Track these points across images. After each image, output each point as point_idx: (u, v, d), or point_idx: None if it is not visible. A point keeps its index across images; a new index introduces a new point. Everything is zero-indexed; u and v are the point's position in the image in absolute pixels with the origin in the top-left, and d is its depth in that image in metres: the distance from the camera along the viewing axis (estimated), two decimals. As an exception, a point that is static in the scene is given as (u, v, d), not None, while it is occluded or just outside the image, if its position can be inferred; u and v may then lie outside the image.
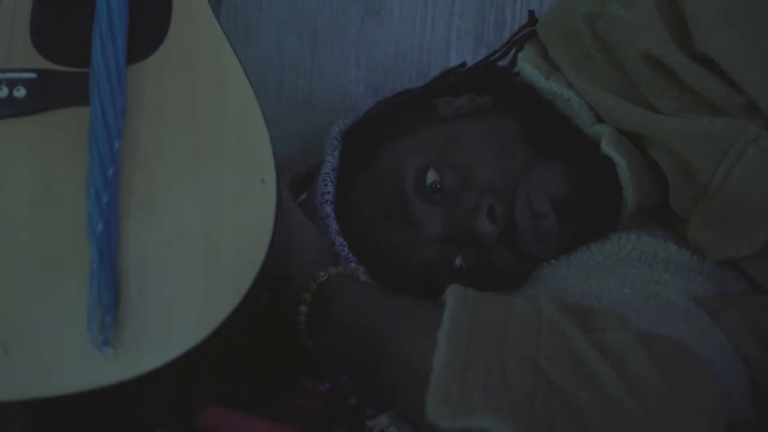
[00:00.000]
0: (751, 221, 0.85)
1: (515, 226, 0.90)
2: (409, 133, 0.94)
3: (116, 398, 0.70)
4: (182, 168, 0.78)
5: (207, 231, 0.76)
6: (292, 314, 0.84)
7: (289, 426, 0.81)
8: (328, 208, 0.94)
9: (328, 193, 0.95)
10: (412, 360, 0.74)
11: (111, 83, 0.76)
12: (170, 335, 0.71)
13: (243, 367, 0.85)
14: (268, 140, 0.78)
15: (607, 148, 0.91)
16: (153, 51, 0.81)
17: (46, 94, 0.78)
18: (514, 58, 0.99)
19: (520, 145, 0.92)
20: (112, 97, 0.76)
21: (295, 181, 0.99)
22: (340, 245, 0.94)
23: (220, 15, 0.93)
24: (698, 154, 0.86)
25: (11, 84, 0.78)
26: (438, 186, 0.90)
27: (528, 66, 0.96)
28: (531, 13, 1.01)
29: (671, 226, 0.93)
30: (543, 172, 0.90)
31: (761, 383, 0.80)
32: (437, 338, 0.72)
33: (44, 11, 0.82)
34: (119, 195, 0.75)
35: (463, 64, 1.04)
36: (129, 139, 0.77)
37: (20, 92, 0.78)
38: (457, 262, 0.91)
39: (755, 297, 0.87)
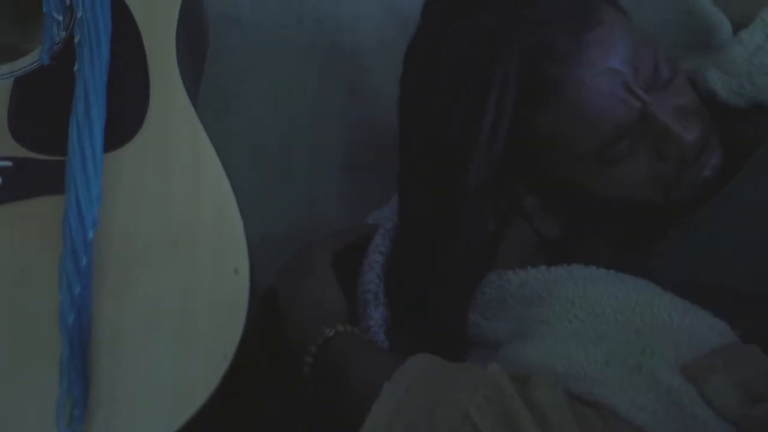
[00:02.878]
0: None
1: None
2: None
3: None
4: (156, 257, 0.78)
5: (180, 322, 0.76)
6: (299, 363, 0.91)
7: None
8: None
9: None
10: None
11: (86, 172, 0.77)
12: (141, 430, 0.70)
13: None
14: (242, 230, 0.79)
15: None
16: (130, 139, 0.82)
17: (21, 183, 0.79)
18: None
19: None
20: (87, 185, 0.76)
21: (336, 257, 1.00)
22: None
23: (198, 95, 0.94)
24: None
25: (-13, 172, 0.79)
26: None
27: None
28: None
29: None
30: None
31: None
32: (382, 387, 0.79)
33: (22, 98, 0.83)
34: (93, 282, 0.76)
35: None
36: (104, 226, 0.78)
37: (-4, 180, 0.79)
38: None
39: (742, 349, 0.87)
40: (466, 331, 0.95)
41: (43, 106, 0.83)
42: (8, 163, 0.79)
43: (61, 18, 0.85)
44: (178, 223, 0.79)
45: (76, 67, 0.81)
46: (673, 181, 0.93)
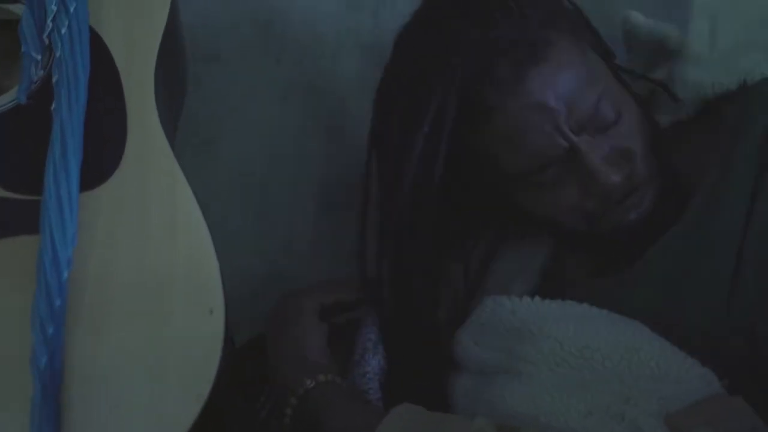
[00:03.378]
0: None
1: None
2: None
3: None
4: (131, 297, 0.78)
5: (154, 362, 0.76)
6: (281, 412, 0.93)
7: None
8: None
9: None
10: None
11: (62, 213, 0.77)
12: (112, 473, 0.70)
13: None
14: (218, 271, 0.79)
15: None
16: (107, 178, 0.82)
17: (-3, 222, 0.79)
18: None
19: None
20: (62, 226, 0.76)
21: (323, 309, 1.02)
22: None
23: (175, 138, 0.94)
24: None
25: (-38, 211, 0.79)
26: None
27: None
28: None
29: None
30: None
31: None
32: None
33: (-2, 137, 0.83)
34: (67, 322, 0.75)
35: None
36: (79, 266, 0.78)
37: (-29, 220, 0.79)
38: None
39: (727, 402, 0.87)
40: (450, 352, 0.97)
41: (20, 145, 0.83)
42: (-17, 203, 0.79)
43: (39, 57, 0.85)
44: (154, 263, 0.79)
45: (53, 107, 0.81)
46: (596, 215, 0.96)
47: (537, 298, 0.95)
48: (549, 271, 1.06)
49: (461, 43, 0.94)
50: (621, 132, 0.95)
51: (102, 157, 0.83)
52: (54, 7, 0.84)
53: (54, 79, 0.83)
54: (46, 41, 0.85)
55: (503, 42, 0.93)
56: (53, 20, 0.84)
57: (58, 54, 0.83)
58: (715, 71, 1.00)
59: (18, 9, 0.88)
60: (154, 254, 0.79)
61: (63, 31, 0.83)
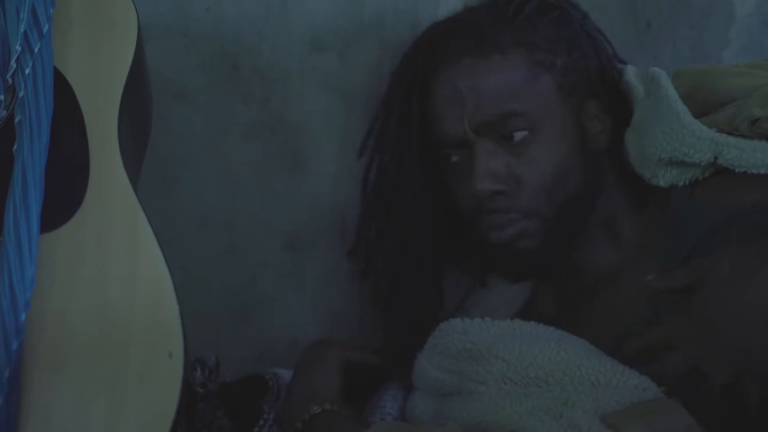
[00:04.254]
0: None
1: None
2: None
3: None
4: (89, 340, 0.78)
5: (111, 405, 0.75)
6: None
7: None
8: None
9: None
10: None
11: (21, 255, 0.76)
12: None
13: None
14: (178, 313, 0.79)
15: None
16: (67, 219, 0.82)
17: (-46, 264, 0.78)
18: None
19: None
20: (21, 269, 0.76)
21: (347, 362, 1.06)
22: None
23: (139, 176, 0.94)
24: None
25: None
26: None
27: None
28: None
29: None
30: None
31: None
32: None
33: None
34: (23, 363, 0.75)
35: None
36: (37, 307, 0.77)
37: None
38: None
39: (663, 403, 0.89)
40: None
41: (-19, 186, 0.83)
42: (-57, 243, 0.79)
43: (2, 97, 0.85)
44: (113, 305, 0.79)
45: (15, 148, 0.81)
46: (474, 217, 1.04)
47: (488, 319, 0.99)
48: (525, 308, 1.10)
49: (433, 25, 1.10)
50: (523, 157, 1.01)
51: (63, 197, 0.82)
52: (18, 48, 0.84)
53: (16, 120, 0.83)
54: (10, 81, 0.85)
55: (465, 25, 1.05)
56: (17, 60, 0.84)
57: (21, 94, 0.83)
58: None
59: (-19, 48, 0.88)
60: (114, 296, 0.79)
61: (27, 71, 0.84)
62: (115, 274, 0.80)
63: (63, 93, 0.86)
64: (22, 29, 0.85)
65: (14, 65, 0.84)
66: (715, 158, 0.95)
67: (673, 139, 0.96)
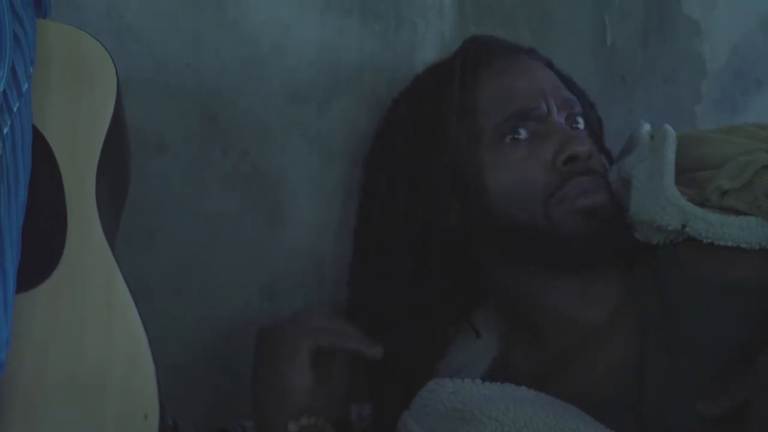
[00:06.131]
0: None
1: None
2: None
3: None
4: (65, 400, 0.78)
5: (86, 467, 0.76)
6: None
7: None
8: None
9: None
10: None
11: (-3, 316, 0.77)
12: None
13: None
14: (154, 375, 0.80)
15: None
16: (44, 279, 0.82)
17: (-70, 325, 0.78)
18: None
19: None
20: (-4, 330, 0.76)
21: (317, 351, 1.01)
22: None
23: (117, 230, 0.95)
24: None
25: None
26: None
27: None
28: None
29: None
30: None
31: None
32: None
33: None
34: (-1, 424, 0.75)
35: None
36: (12, 367, 0.78)
37: None
38: None
39: None
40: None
41: (-42, 247, 0.83)
42: None
43: (-20, 156, 0.85)
44: (88, 366, 0.79)
45: (-8, 207, 0.82)
46: (556, 186, 1.01)
47: (478, 381, 0.97)
48: (496, 367, 1.08)
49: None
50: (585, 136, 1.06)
51: (41, 256, 0.83)
52: (-3, 107, 0.85)
53: (-6, 180, 0.83)
54: (-13, 141, 0.85)
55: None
56: (-4, 119, 0.84)
57: (-1, 153, 0.84)
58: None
59: (-39, 107, 0.88)
60: (90, 357, 0.80)
61: (5, 130, 0.84)
62: (92, 334, 0.81)
63: (41, 151, 0.86)
64: (1, 88, 0.85)
65: (-7, 124, 0.84)
66: (683, 225, 0.96)
67: (650, 200, 0.97)
